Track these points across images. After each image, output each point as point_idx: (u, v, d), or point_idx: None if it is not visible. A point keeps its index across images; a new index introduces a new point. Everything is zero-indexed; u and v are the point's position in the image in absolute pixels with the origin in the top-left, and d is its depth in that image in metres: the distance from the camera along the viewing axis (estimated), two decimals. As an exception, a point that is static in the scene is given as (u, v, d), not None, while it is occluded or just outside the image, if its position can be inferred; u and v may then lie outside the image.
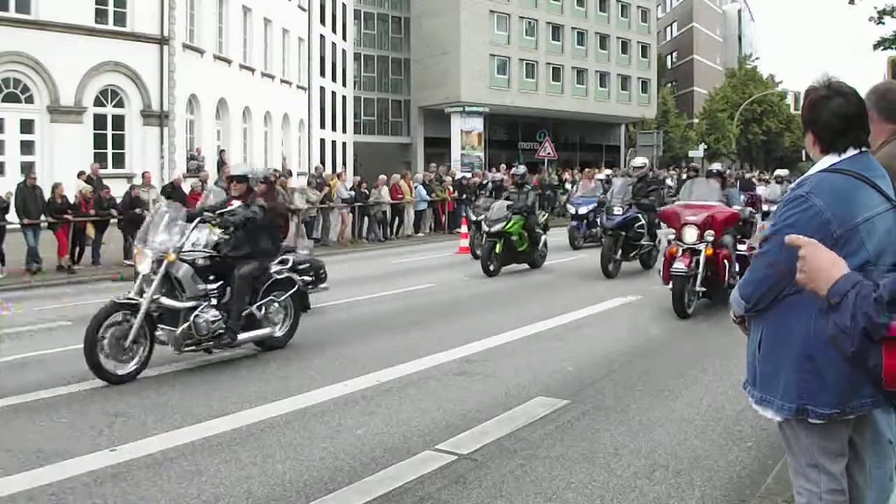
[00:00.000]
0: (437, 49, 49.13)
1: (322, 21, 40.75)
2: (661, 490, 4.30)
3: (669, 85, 67.81)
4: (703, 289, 9.49)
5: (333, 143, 43.37)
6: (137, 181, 17.73)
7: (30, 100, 21.41)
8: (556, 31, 53.58)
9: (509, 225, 13.61)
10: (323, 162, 36.33)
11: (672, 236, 9.69)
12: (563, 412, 5.72)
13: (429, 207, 23.50)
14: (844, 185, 2.57)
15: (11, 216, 14.76)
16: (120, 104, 23.32)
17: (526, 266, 14.46)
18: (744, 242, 10.48)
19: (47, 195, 15.14)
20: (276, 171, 20.63)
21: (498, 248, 13.65)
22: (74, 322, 9.81)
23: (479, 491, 4.30)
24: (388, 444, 5.07)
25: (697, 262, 9.33)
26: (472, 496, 4.23)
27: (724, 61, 77.24)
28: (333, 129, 43.45)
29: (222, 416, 5.70)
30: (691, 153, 49.95)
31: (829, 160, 2.64)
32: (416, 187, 23.25)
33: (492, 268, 13.62)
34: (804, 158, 44.23)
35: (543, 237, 14.70)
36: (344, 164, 42.88)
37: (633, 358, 7.45)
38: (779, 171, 24.03)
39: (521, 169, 15.68)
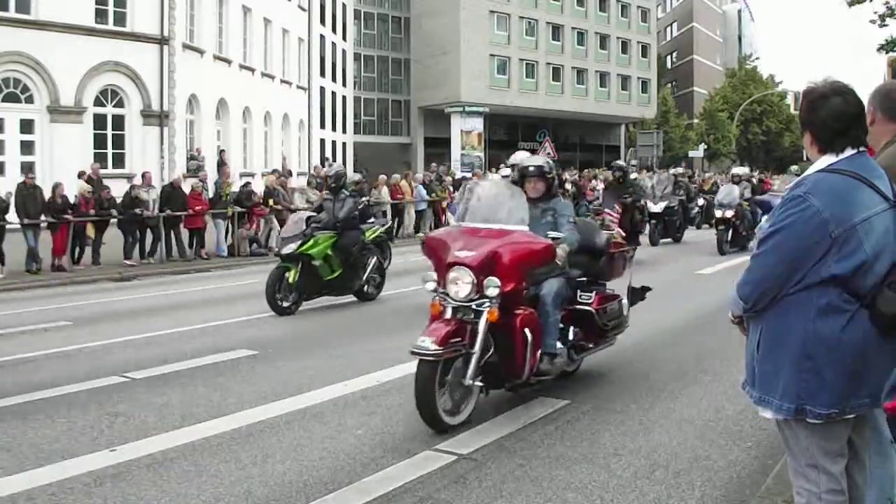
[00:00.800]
0: (437, 49, 49.18)
1: (322, 21, 40.77)
2: (661, 490, 4.30)
3: (669, 85, 67.89)
4: (481, 383, 5.33)
5: (333, 143, 43.41)
6: (137, 181, 17.71)
7: (30, 100, 21.41)
8: (556, 31, 53.60)
9: (308, 245, 9.97)
10: (323, 162, 36.33)
11: (432, 284, 5.50)
12: (563, 412, 5.72)
13: (429, 207, 23.49)
14: (843, 185, 2.57)
15: (11, 216, 14.76)
16: (120, 104, 23.33)
17: (352, 298, 10.91)
18: (597, 288, 6.39)
19: (47, 195, 15.12)
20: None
21: (291, 278, 9.90)
22: (75, 322, 9.83)
23: (479, 491, 4.30)
24: (388, 444, 5.07)
25: (473, 333, 5.25)
26: (472, 496, 4.23)
27: (724, 61, 77.28)
28: (333, 129, 43.48)
29: (222, 416, 5.70)
30: (691, 153, 50.03)
31: (827, 160, 2.64)
32: (416, 187, 23.26)
33: (284, 304, 9.84)
34: (804, 158, 44.14)
35: (374, 259, 11.03)
36: (344, 164, 42.88)
37: (632, 358, 7.44)
38: (735, 170, 20.89)
39: (335, 167, 11.79)
